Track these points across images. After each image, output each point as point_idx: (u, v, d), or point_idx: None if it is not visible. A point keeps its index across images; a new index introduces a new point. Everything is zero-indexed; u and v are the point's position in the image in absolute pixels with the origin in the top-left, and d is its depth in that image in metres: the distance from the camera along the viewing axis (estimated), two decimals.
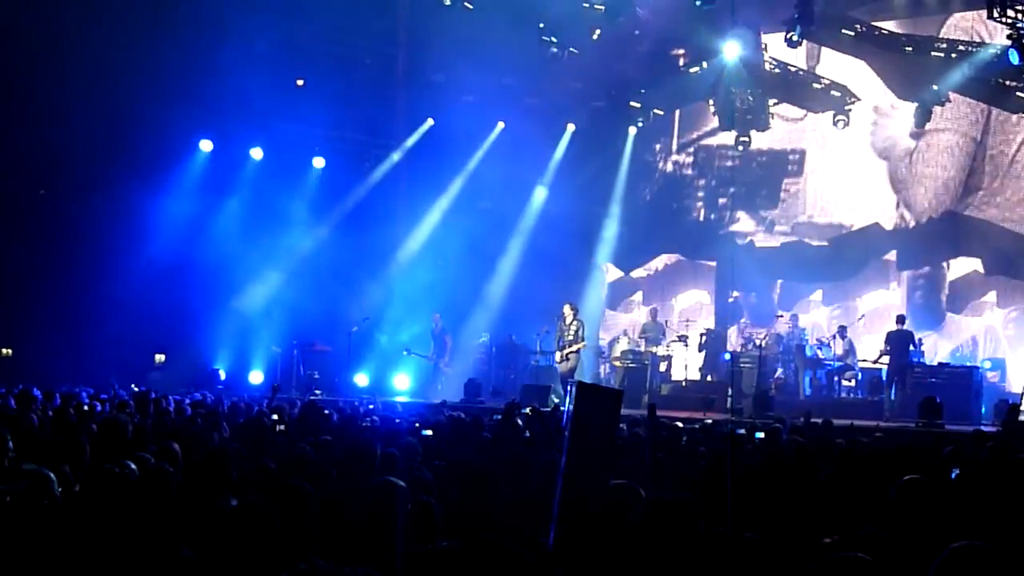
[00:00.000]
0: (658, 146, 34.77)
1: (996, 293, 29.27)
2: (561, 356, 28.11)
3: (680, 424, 17.36)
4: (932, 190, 30.64)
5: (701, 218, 34.25)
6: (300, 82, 31.31)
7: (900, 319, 27.19)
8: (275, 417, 14.42)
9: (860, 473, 9.81)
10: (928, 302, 30.19)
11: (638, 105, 32.98)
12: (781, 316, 30.28)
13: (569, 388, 19.42)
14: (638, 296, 34.60)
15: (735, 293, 32.60)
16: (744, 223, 33.50)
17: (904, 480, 7.45)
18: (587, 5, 29.97)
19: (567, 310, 28.41)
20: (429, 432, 13.30)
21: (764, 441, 12.69)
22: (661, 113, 33.62)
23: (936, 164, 30.60)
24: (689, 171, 34.56)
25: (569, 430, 4.83)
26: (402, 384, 30.59)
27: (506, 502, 8.32)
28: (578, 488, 4.80)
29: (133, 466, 9.42)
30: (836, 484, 9.61)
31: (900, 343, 26.52)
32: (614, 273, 35.03)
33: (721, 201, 34.06)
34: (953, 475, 11.23)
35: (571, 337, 28.19)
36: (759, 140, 32.31)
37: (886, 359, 26.74)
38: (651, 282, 34.61)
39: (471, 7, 29.32)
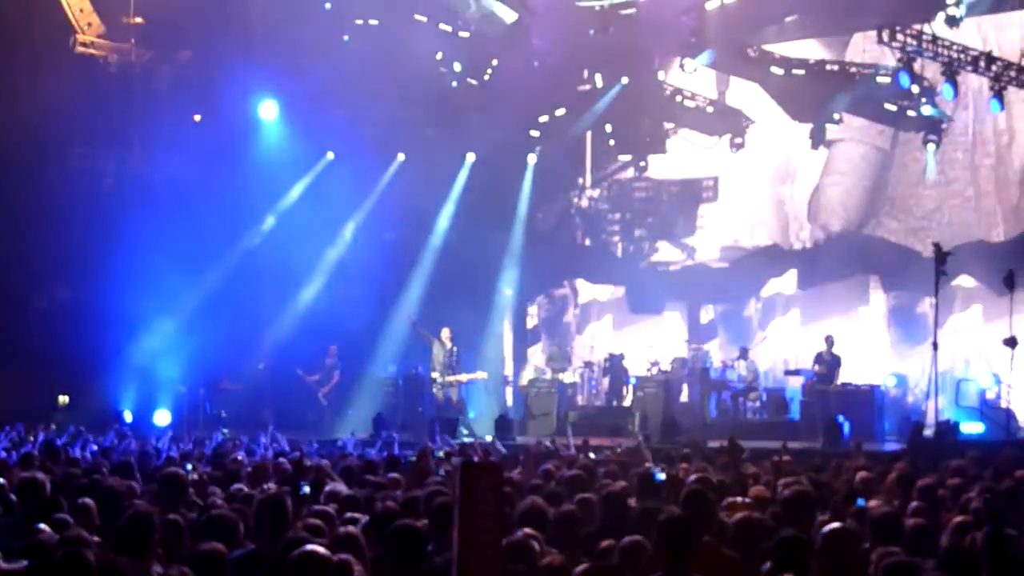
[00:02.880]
0: (560, 173, 34.84)
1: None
2: (444, 383, 28.45)
3: (592, 455, 17.44)
4: (839, 204, 31.05)
5: (604, 244, 34.38)
6: (197, 117, 31.13)
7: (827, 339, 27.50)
8: (189, 467, 14.29)
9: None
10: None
11: (536, 134, 33.18)
12: (687, 341, 30.49)
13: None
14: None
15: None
16: (660, 251, 33.68)
17: (828, 530, 7.55)
18: (483, 36, 30.25)
19: (444, 334, 28.76)
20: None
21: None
22: (560, 139, 33.80)
23: (843, 176, 31.04)
24: (594, 197, 34.68)
25: (458, 513, 4.87)
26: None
27: (435, 559, 8.36)
28: (471, 569, 4.86)
29: (48, 530, 9.37)
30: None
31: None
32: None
33: (637, 232, 34.15)
34: (860, 503, 11.37)
35: (451, 360, 28.56)
36: (673, 168, 32.82)
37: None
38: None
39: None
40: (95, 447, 20.40)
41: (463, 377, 28.83)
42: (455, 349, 28.84)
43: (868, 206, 30.82)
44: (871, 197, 30.81)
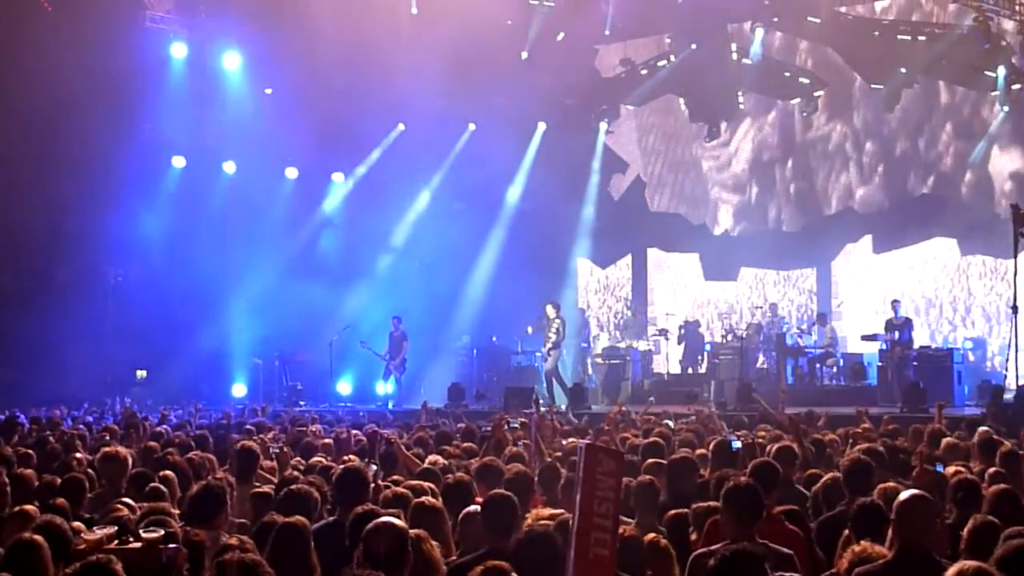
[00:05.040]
0: (631, 140, 34.66)
1: None
2: (545, 355, 28.37)
3: (670, 424, 17.35)
4: (910, 171, 30.62)
5: (677, 212, 34.12)
6: (268, 91, 31.22)
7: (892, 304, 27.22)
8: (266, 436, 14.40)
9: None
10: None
11: (606, 106, 33.08)
12: (760, 307, 30.26)
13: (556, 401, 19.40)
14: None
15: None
16: (724, 215, 33.36)
17: (904, 498, 7.47)
18: (551, 4, 30.14)
19: (549, 309, 28.62)
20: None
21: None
22: (631, 108, 33.71)
23: (915, 144, 30.60)
24: (665, 166, 34.41)
25: (579, 495, 4.87)
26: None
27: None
28: (590, 551, 4.85)
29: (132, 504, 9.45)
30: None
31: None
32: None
33: (698, 194, 33.89)
34: (940, 469, 11.26)
35: (552, 335, 28.37)
36: (741, 130, 32.57)
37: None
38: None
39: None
40: (174, 420, 20.59)
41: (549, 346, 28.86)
42: (556, 322, 28.71)
43: (943, 169, 30.33)
44: (946, 160, 30.31)
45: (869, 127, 31.31)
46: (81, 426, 19.07)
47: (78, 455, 13.35)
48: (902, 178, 30.84)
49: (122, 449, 11.89)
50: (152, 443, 14.57)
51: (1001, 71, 28.00)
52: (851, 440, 13.85)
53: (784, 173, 32.61)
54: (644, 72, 32.78)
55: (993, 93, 28.99)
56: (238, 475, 10.98)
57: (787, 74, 31.59)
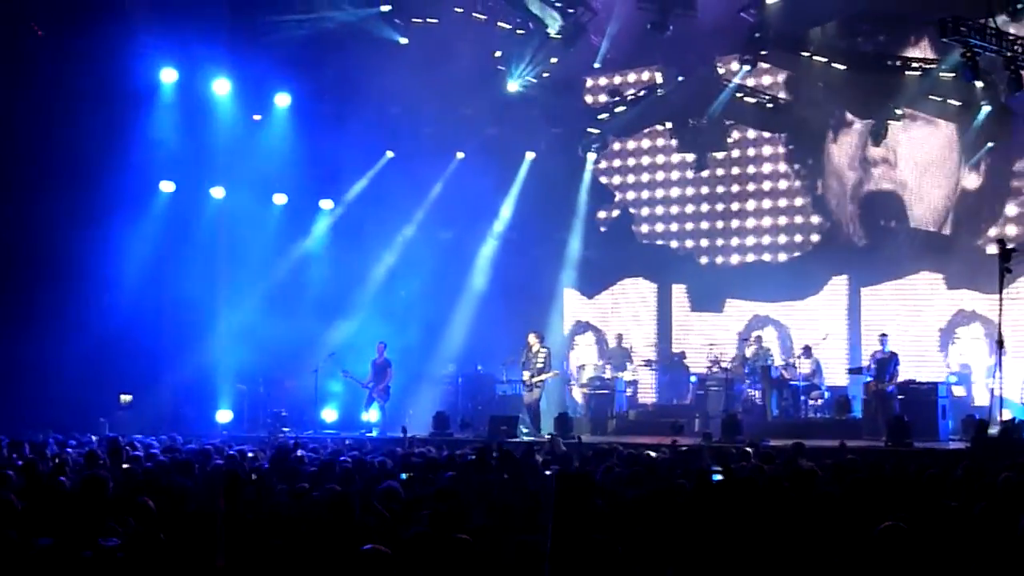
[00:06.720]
0: (618, 171, 34.62)
1: None
2: (530, 384, 28.19)
3: (652, 454, 17.34)
4: (899, 202, 30.59)
5: (664, 242, 34.02)
6: (257, 117, 31.23)
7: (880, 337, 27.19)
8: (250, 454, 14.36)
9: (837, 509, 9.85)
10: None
11: (596, 131, 33.11)
12: (747, 339, 30.22)
13: (537, 431, 19.43)
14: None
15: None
16: (716, 248, 33.23)
17: (882, 528, 7.48)
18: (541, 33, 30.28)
19: (532, 339, 28.51)
20: (404, 476, 13.21)
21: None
22: (618, 138, 33.77)
23: (903, 175, 30.58)
24: (652, 195, 34.32)
25: (551, 522, 4.89)
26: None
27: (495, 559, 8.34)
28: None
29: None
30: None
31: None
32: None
33: (688, 225, 33.79)
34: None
35: (540, 365, 28.26)
36: (720, 163, 32.60)
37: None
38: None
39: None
40: (157, 446, 20.53)
41: (542, 377, 28.66)
42: (542, 352, 28.58)
43: (930, 204, 30.32)
44: (933, 196, 30.31)
45: (853, 159, 31.30)
46: (68, 451, 19.04)
47: (61, 479, 13.32)
48: (883, 213, 30.80)
49: (103, 473, 11.88)
50: (134, 468, 14.54)
51: (986, 107, 28.03)
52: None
53: (766, 204, 32.56)
54: (633, 103, 32.84)
55: (981, 131, 28.96)
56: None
57: (771, 107, 31.59)
